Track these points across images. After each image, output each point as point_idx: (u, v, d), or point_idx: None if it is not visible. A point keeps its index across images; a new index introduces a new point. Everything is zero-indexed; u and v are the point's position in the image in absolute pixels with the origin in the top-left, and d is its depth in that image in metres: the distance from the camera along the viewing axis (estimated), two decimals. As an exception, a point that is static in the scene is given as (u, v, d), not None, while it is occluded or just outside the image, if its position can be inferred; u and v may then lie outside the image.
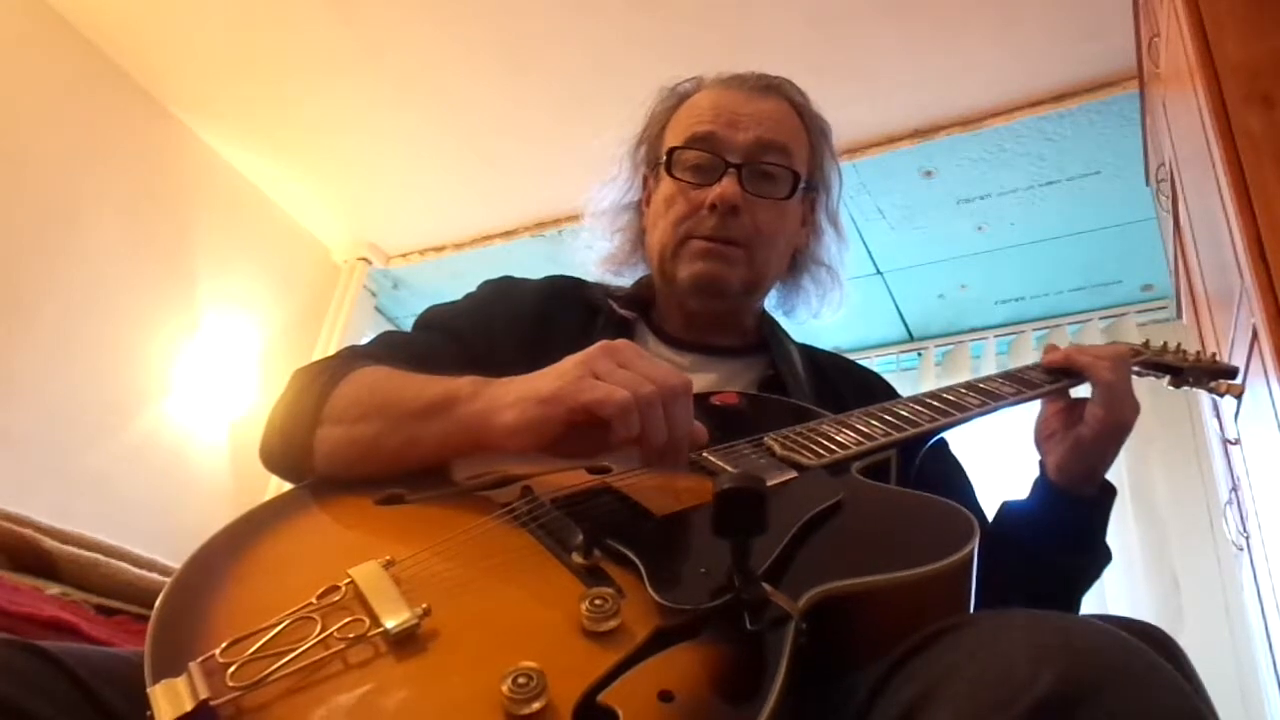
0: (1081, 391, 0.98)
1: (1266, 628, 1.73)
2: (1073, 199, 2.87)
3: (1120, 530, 2.75)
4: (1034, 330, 3.33)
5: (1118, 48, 2.37)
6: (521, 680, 0.47)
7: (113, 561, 1.48)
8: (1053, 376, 1.00)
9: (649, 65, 2.65)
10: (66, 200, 2.59)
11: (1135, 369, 1.11)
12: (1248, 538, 1.77)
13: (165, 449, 2.77)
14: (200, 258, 2.97)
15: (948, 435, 0.94)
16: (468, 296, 1.07)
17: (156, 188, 2.86)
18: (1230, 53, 1.44)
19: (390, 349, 0.93)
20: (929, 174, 2.85)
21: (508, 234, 3.30)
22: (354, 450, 0.77)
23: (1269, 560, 1.58)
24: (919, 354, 3.51)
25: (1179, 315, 2.47)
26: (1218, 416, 1.89)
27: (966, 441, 1.04)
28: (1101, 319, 3.23)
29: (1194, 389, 1.20)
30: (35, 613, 1.21)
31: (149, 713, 0.47)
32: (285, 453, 0.82)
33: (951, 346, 3.47)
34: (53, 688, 0.54)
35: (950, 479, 1.04)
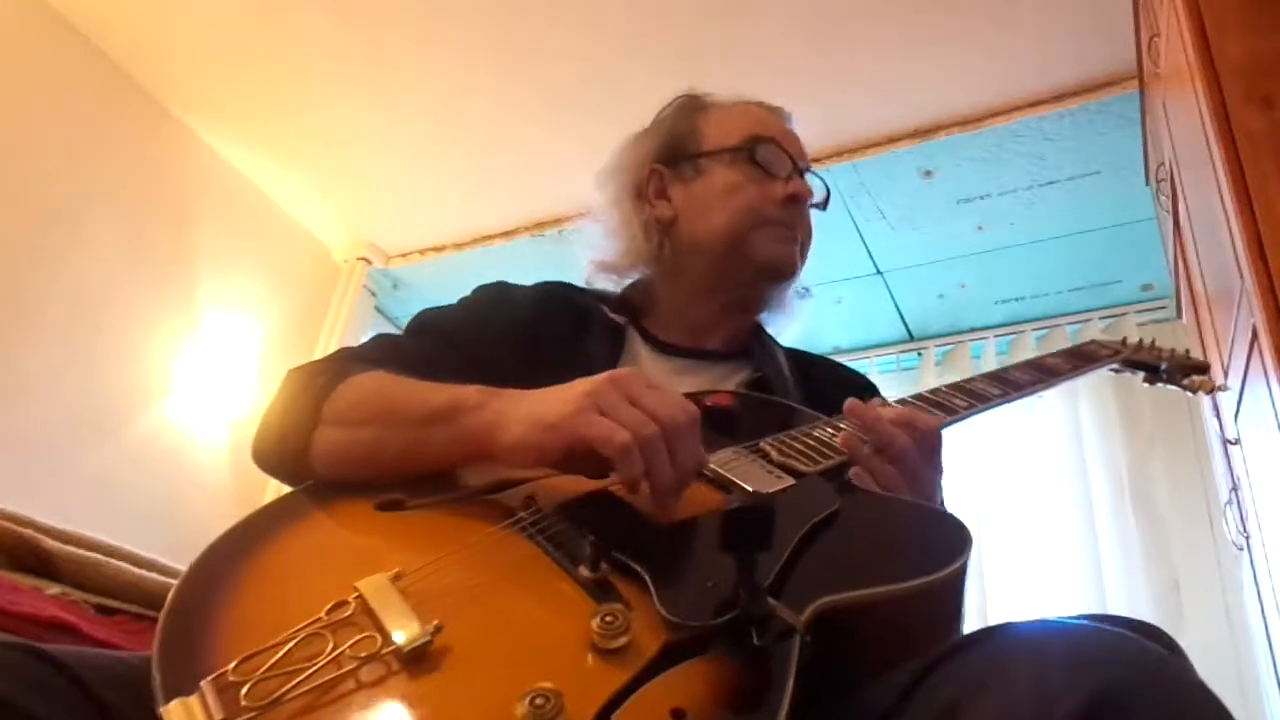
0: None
1: (1266, 628, 1.73)
2: (1073, 199, 2.86)
3: (1120, 530, 2.75)
4: (1034, 330, 3.33)
5: (1118, 48, 2.37)
6: (539, 701, 0.47)
7: (113, 561, 1.48)
8: (1037, 375, 1.02)
9: (648, 66, 2.65)
10: (66, 200, 2.59)
11: (1114, 367, 1.15)
12: (1248, 538, 1.77)
13: (165, 449, 2.76)
14: (200, 258, 2.96)
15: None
16: (461, 301, 1.07)
17: (156, 188, 2.86)
18: (1230, 53, 1.44)
19: (386, 352, 0.93)
20: (929, 174, 2.85)
21: (508, 234, 3.29)
22: (354, 453, 0.76)
23: (1269, 560, 1.58)
24: (919, 354, 3.51)
25: (1179, 315, 2.47)
26: (1218, 416, 1.89)
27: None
28: (1101, 319, 3.23)
29: (1169, 386, 1.21)
30: (35, 613, 1.22)
31: None
32: (280, 452, 0.81)
33: (951, 346, 3.47)
34: (54, 690, 0.54)
35: None
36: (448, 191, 3.16)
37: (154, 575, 1.50)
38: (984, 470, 3.04)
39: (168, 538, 1.87)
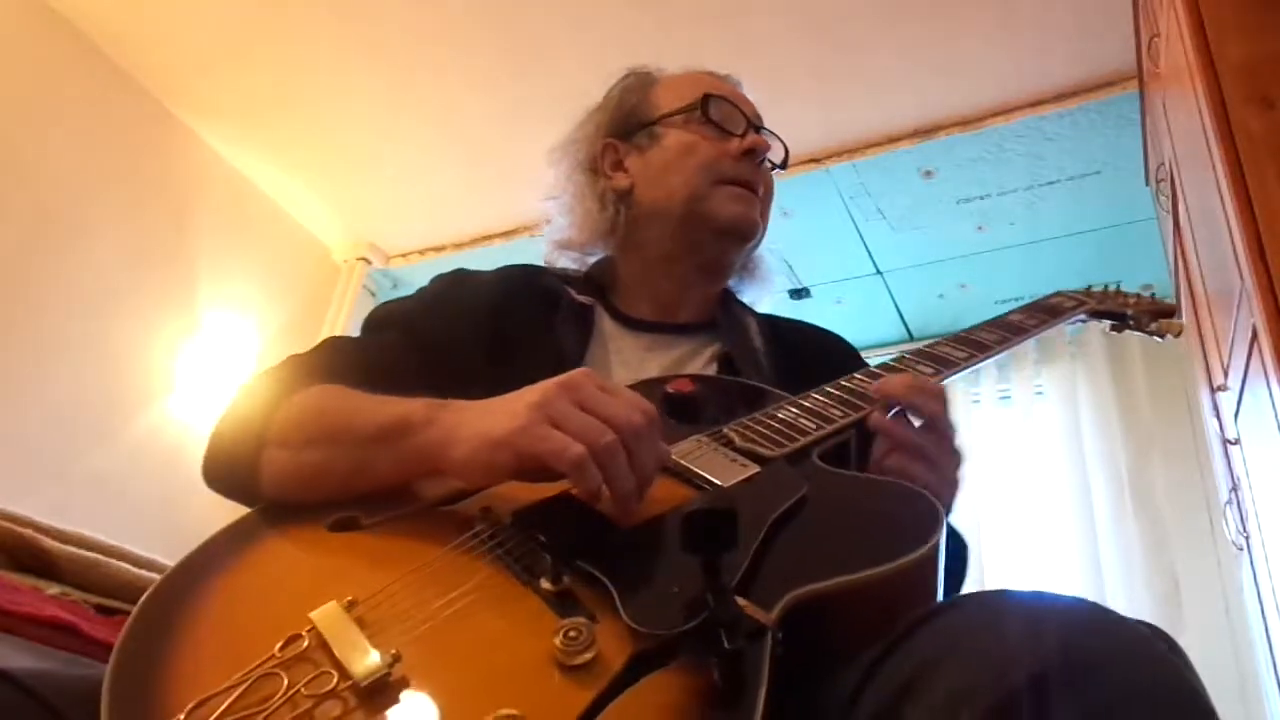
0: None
1: (1266, 628, 1.73)
2: (1073, 199, 2.86)
3: (1120, 530, 2.74)
4: (1034, 330, 3.33)
5: (1118, 48, 2.37)
6: None
7: (113, 561, 1.48)
8: (1003, 333, 1.00)
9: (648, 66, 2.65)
10: (67, 200, 2.59)
11: (1082, 318, 1.14)
12: (1248, 538, 1.77)
13: (166, 449, 2.76)
14: (201, 258, 2.97)
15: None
16: (421, 291, 1.05)
17: (157, 188, 2.86)
18: (1230, 53, 1.44)
19: (338, 357, 0.90)
20: (929, 174, 2.85)
21: (508, 234, 3.29)
22: (301, 475, 0.74)
23: (1269, 560, 1.58)
24: (919, 354, 3.51)
25: (1179, 315, 2.46)
26: (1218, 416, 1.89)
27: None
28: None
29: (1136, 332, 1.18)
30: (35, 613, 1.22)
31: None
32: (231, 473, 0.78)
33: (951, 346, 3.47)
34: (22, 714, 0.52)
35: None
36: (447, 192, 3.16)
37: (154, 575, 1.49)
38: (984, 471, 3.04)
39: (168, 538, 1.86)
